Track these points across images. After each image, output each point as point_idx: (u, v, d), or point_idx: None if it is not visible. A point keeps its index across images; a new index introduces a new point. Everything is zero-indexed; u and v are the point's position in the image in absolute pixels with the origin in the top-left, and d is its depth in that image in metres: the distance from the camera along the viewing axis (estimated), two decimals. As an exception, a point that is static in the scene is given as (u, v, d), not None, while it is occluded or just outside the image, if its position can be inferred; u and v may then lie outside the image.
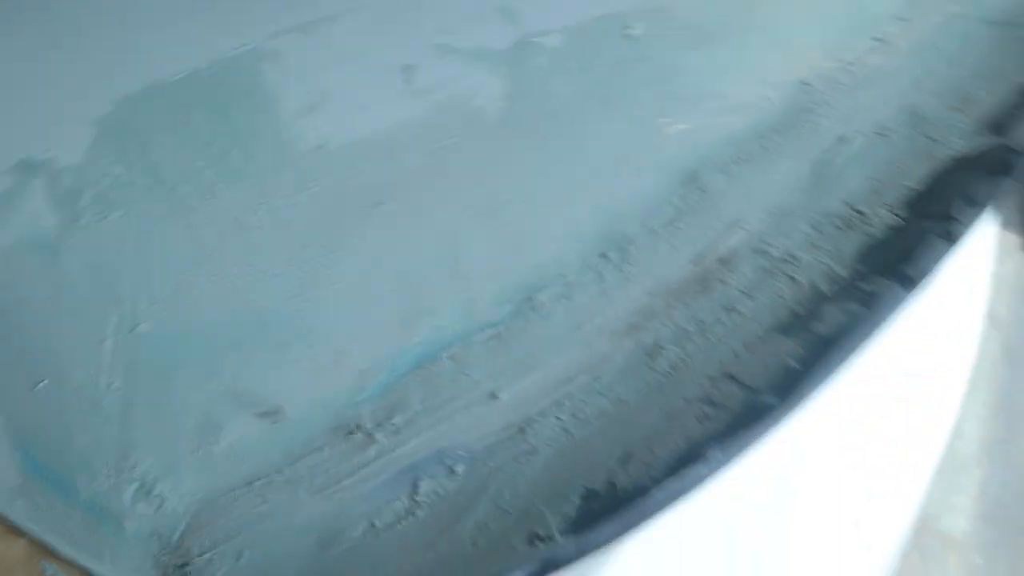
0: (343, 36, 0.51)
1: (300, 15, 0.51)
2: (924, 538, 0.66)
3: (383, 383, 0.37)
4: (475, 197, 0.43)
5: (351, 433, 0.36)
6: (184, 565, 0.32)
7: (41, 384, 0.36)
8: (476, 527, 0.33)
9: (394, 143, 0.46)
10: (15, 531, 0.33)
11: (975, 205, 0.39)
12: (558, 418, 0.35)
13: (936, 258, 0.37)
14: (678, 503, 0.32)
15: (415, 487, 0.34)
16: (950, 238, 0.38)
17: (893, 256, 0.39)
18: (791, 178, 0.45)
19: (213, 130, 0.45)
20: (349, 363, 0.38)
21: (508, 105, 0.48)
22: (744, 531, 0.34)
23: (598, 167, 0.45)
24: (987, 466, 0.69)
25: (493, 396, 0.37)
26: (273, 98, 0.47)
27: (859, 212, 0.42)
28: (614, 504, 0.32)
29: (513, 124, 0.47)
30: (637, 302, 0.40)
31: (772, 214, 0.43)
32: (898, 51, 0.54)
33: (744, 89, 0.50)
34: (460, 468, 0.35)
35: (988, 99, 0.49)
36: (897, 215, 0.41)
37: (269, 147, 0.45)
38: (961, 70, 0.52)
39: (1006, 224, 0.44)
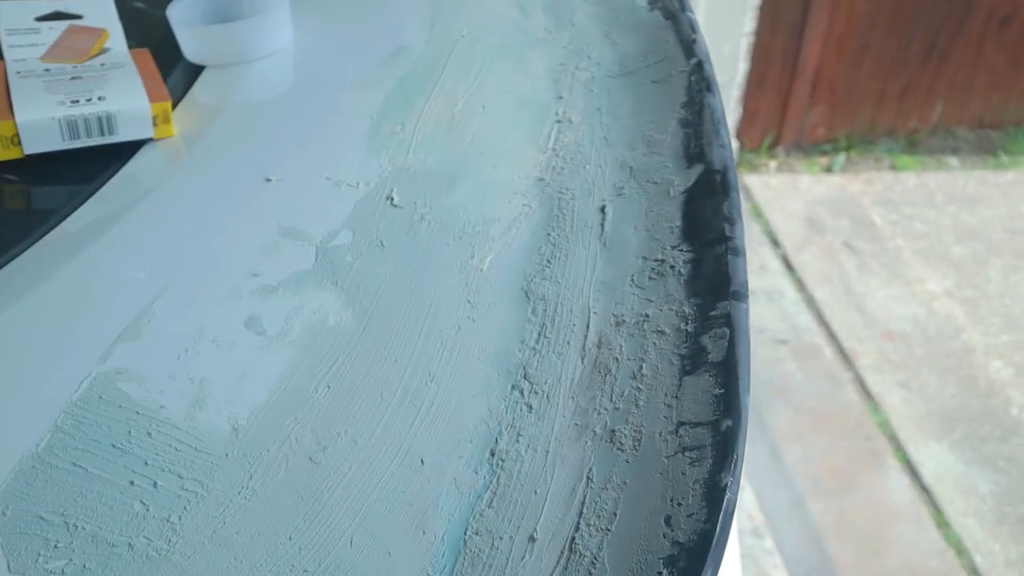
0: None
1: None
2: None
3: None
4: (385, 418, 0.46)
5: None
6: None
7: None
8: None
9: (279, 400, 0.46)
10: None
11: (734, 221, 0.52)
12: (599, 528, 0.40)
13: (743, 270, 0.49)
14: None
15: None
16: (737, 252, 0.50)
17: (713, 281, 0.49)
18: (591, 255, 0.54)
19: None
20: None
21: (352, 315, 0.50)
22: None
23: (452, 327, 0.50)
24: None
25: (532, 539, 0.40)
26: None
27: (658, 260, 0.52)
28: None
29: (365, 332, 0.49)
30: (568, 409, 0.46)
31: (600, 291, 0.52)
32: (577, 124, 0.66)
33: (506, 208, 0.57)
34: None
35: (665, 138, 0.62)
36: (685, 251, 0.52)
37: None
38: (627, 121, 0.65)
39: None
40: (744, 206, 2.81)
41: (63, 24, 0.67)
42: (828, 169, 2.99)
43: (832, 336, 2.34)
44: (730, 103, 2.82)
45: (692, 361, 0.46)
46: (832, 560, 1.83)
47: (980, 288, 2.51)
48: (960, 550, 1.86)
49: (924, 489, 1.98)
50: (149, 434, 0.43)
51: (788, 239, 2.67)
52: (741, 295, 0.47)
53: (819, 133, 3.02)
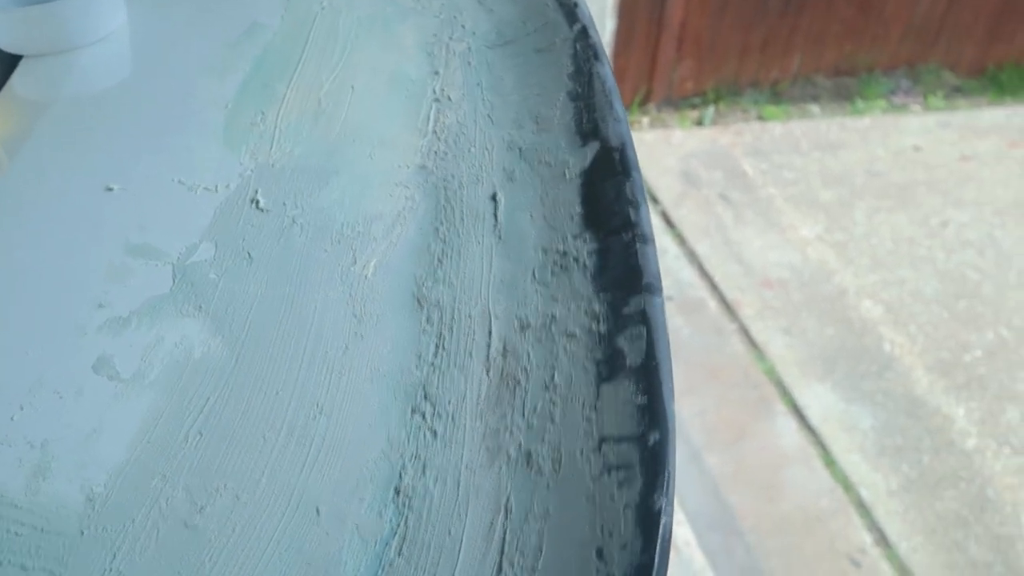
0: None
1: None
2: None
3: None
4: (270, 463, 0.40)
5: None
6: None
7: None
8: None
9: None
10: None
11: (638, 204, 0.48)
12: (524, 567, 0.36)
13: (654, 259, 0.45)
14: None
15: None
16: (646, 240, 0.46)
17: (622, 274, 0.45)
18: (486, 251, 0.49)
19: None
20: None
21: (221, 344, 0.43)
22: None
23: (339, 346, 0.44)
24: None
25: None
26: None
27: (560, 252, 0.48)
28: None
29: (238, 363, 0.43)
30: (476, 431, 0.41)
31: (500, 291, 0.47)
32: (457, 102, 0.60)
33: (387, 202, 0.52)
34: None
35: (554, 114, 0.57)
36: (588, 240, 0.48)
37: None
38: (511, 96, 0.60)
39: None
40: (621, 165, 2.82)
41: None
42: (699, 122, 3.03)
43: (715, 288, 2.38)
44: (601, 62, 2.80)
45: (608, 366, 0.42)
46: (732, 510, 1.87)
47: (848, 231, 2.61)
48: (847, 486, 1.95)
49: (811, 431, 2.05)
50: (-21, 516, 0.36)
51: (665, 195, 2.70)
52: (654, 288, 0.43)
53: (688, 87, 3.06)
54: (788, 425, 2.05)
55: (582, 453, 0.39)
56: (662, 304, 0.43)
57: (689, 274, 2.43)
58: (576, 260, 0.47)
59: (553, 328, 0.44)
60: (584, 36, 0.62)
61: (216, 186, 0.51)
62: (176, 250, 0.47)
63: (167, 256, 0.47)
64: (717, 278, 2.40)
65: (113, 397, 0.40)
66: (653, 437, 0.38)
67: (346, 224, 0.50)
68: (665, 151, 2.89)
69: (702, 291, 2.37)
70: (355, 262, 0.48)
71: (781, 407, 2.09)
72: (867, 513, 1.90)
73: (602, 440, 0.39)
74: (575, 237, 0.48)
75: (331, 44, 0.64)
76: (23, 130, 0.55)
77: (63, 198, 0.50)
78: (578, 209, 0.50)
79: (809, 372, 2.16)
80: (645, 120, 3.02)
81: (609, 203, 0.49)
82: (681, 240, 2.53)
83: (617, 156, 0.51)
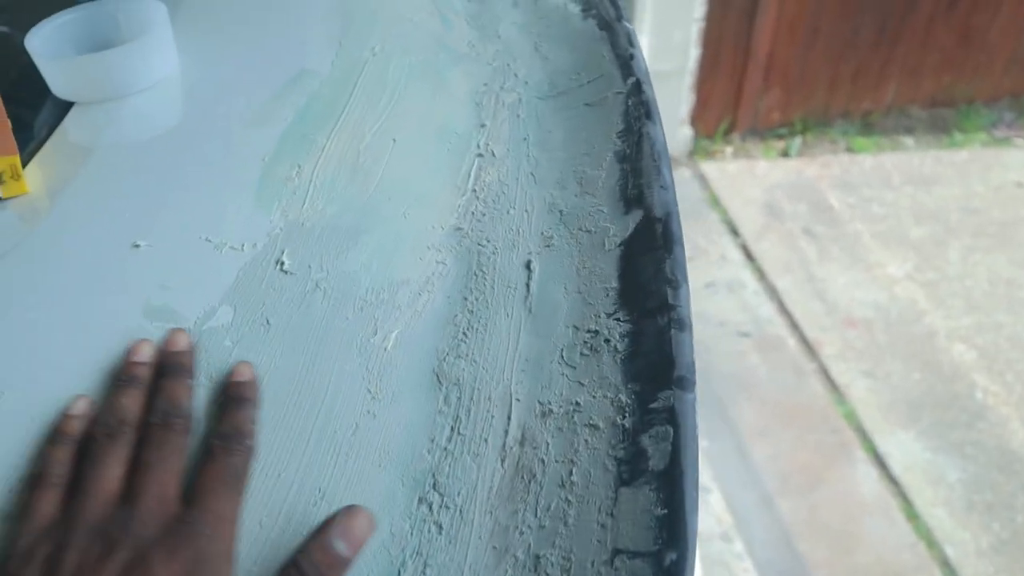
0: None
1: None
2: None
3: None
4: (264, 553, 0.38)
5: None
6: None
7: None
8: None
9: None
10: None
11: (678, 284, 0.44)
12: None
13: (689, 349, 0.41)
14: None
15: None
16: (683, 326, 0.43)
17: (654, 362, 0.42)
18: (515, 325, 0.46)
19: None
20: None
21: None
22: None
23: (348, 426, 0.42)
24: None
25: None
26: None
27: (592, 332, 0.45)
28: None
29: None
30: (485, 527, 0.38)
31: (525, 370, 0.44)
32: (501, 158, 0.58)
33: (416, 267, 0.50)
34: None
35: (599, 175, 0.54)
36: (622, 321, 0.45)
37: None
38: (558, 153, 0.57)
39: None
40: (701, 195, 2.75)
41: None
42: (785, 153, 2.94)
43: (795, 326, 2.29)
44: (683, 90, 2.75)
45: (630, 468, 0.38)
46: (803, 560, 1.79)
47: (940, 270, 2.48)
48: (931, 542, 1.83)
49: (893, 481, 1.94)
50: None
51: (747, 227, 2.62)
52: (687, 383, 0.40)
53: (774, 117, 2.97)
54: (868, 473, 1.95)
55: (593, 564, 0.36)
56: (694, 402, 0.39)
57: (768, 310, 2.35)
58: (607, 342, 0.44)
59: (576, 418, 0.41)
60: (637, 91, 0.59)
61: (243, 245, 0.50)
62: (194, 313, 0.46)
63: (184, 320, 0.45)
64: (798, 315, 2.31)
65: (112, 474, 0.39)
66: (670, 557, 0.34)
67: (371, 290, 0.48)
68: (748, 182, 2.81)
69: (781, 328, 2.29)
70: (376, 332, 0.46)
71: (861, 454, 1.99)
72: (952, 573, 1.78)
73: (615, 552, 0.36)
74: (608, 316, 0.45)
75: (378, 92, 0.63)
76: (64, 180, 0.55)
77: (90, 254, 0.49)
78: (614, 284, 0.47)
79: (892, 418, 2.06)
80: (729, 150, 2.95)
81: (647, 280, 0.46)
82: (761, 275, 2.45)
83: (660, 228, 0.48)
